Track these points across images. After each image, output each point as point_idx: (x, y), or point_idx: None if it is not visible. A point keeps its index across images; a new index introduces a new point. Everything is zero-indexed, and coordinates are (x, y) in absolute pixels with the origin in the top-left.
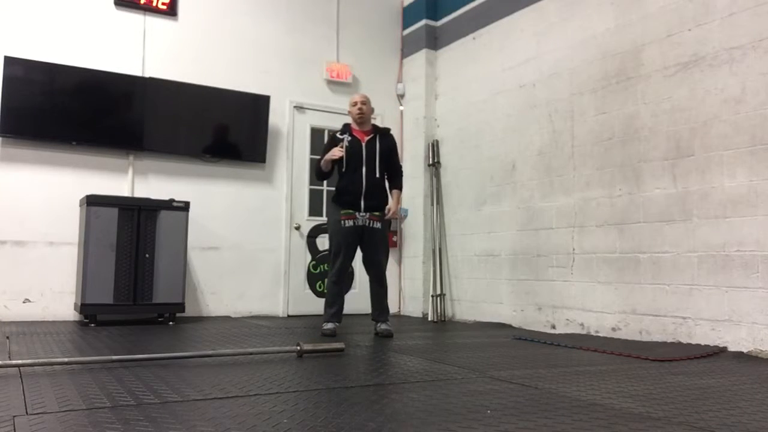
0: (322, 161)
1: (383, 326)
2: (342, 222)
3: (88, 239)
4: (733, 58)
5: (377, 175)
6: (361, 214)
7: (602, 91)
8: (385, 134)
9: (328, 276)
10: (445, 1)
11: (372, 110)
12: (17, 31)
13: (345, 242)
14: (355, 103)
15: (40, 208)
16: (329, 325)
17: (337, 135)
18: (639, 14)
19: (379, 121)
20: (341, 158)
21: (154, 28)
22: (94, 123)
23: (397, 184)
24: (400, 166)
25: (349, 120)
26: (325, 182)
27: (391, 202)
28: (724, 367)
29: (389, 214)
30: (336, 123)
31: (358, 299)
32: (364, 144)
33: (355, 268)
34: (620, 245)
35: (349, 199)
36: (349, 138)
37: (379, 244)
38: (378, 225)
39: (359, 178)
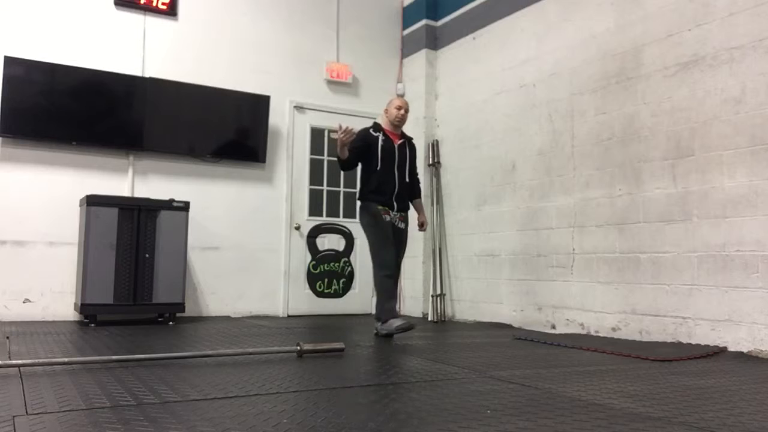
0: (340, 146)
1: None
2: (383, 216)
3: (88, 239)
4: (733, 58)
5: (406, 179)
6: (393, 213)
7: (602, 91)
8: (410, 141)
9: (377, 271)
10: (445, 1)
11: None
12: (17, 31)
13: (390, 234)
14: (400, 108)
15: (40, 208)
16: (400, 321)
17: (371, 131)
18: (639, 14)
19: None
20: (377, 156)
21: (154, 28)
22: (94, 123)
23: (417, 193)
24: (417, 174)
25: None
26: (325, 183)
27: (419, 214)
28: (724, 367)
29: (424, 228)
30: (336, 123)
31: (357, 299)
32: (397, 146)
33: (355, 269)
34: (620, 245)
35: (384, 198)
36: (383, 137)
37: (402, 244)
38: (403, 225)
39: (393, 179)
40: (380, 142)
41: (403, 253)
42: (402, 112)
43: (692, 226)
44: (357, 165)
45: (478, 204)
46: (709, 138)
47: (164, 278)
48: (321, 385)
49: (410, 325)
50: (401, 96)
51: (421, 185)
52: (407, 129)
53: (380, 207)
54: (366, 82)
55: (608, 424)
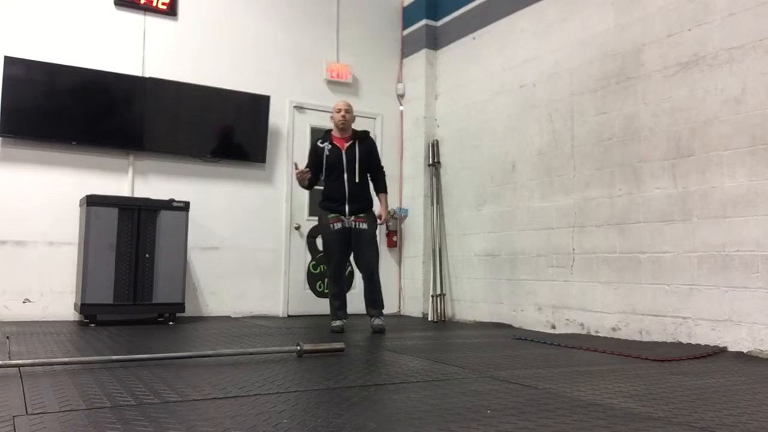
0: (298, 180)
1: (377, 321)
2: (331, 225)
3: (88, 239)
4: (733, 58)
5: (357, 180)
6: (346, 218)
7: (602, 91)
8: (363, 138)
9: (327, 276)
10: (445, 1)
11: (354, 118)
12: (17, 31)
13: (336, 243)
14: (339, 110)
15: (40, 208)
16: (338, 323)
17: (318, 143)
18: (639, 14)
19: (379, 121)
20: (322, 166)
21: (154, 28)
22: (94, 123)
23: (381, 187)
24: (382, 168)
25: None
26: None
27: (379, 208)
28: (724, 367)
29: (381, 221)
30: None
31: (358, 299)
32: (344, 151)
33: (354, 269)
34: (620, 245)
35: (334, 205)
36: (330, 146)
37: (366, 243)
38: (364, 225)
39: (341, 184)
40: (326, 152)
41: (371, 251)
42: (342, 114)
43: (692, 226)
44: (319, 179)
45: (478, 204)
46: (709, 138)
47: (164, 278)
48: (321, 385)
49: (340, 329)
50: (401, 96)
51: (421, 185)
52: (407, 128)
53: (331, 215)
54: (366, 82)
55: (608, 424)
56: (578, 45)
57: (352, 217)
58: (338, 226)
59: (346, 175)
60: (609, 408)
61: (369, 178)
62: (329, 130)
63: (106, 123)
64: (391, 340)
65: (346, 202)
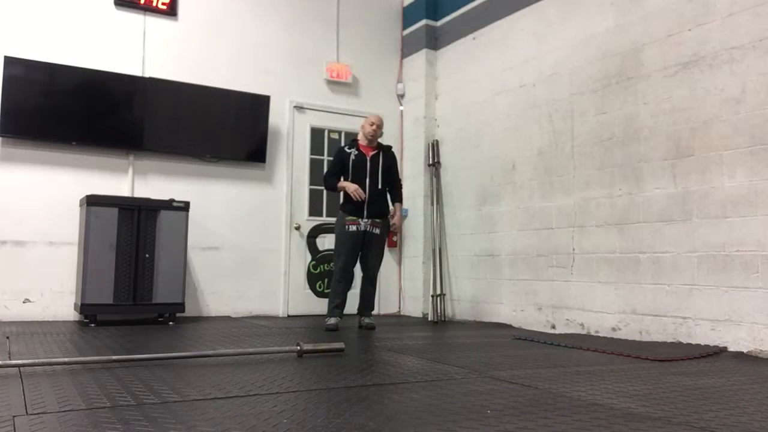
0: (338, 187)
1: (367, 320)
2: (347, 226)
3: (88, 239)
4: (733, 58)
5: (379, 187)
6: (363, 220)
7: (602, 91)
8: (387, 151)
9: (334, 274)
10: (445, 1)
11: (382, 134)
12: (17, 31)
13: (348, 244)
14: (373, 124)
15: (40, 208)
16: (332, 320)
17: (345, 149)
18: (639, 14)
19: None
20: (348, 170)
21: (154, 28)
22: (94, 123)
23: (397, 197)
24: (400, 180)
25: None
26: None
27: (395, 217)
28: (724, 367)
29: (395, 228)
30: (336, 123)
31: (357, 299)
32: (368, 158)
33: (355, 270)
34: (620, 245)
35: (354, 207)
36: (356, 152)
37: (376, 247)
38: (377, 231)
39: (363, 188)
40: (352, 157)
41: (380, 255)
42: (374, 127)
43: (692, 226)
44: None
45: (478, 204)
46: (709, 138)
47: (164, 278)
48: (321, 385)
49: (335, 327)
50: (401, 96)
51: (421, 185)
52: (407, 128)
53: (349, 217)
54: (366, 82)
55: (608, 424)
56: (578, 45)
57: (369, 221)
58: (353, 228)
59: (368, 180)
60: (609, 408)
61: (387, 189)
62: (355, 139)
63: (106, 123)
64: (391, 340)
65: (366, 206)
